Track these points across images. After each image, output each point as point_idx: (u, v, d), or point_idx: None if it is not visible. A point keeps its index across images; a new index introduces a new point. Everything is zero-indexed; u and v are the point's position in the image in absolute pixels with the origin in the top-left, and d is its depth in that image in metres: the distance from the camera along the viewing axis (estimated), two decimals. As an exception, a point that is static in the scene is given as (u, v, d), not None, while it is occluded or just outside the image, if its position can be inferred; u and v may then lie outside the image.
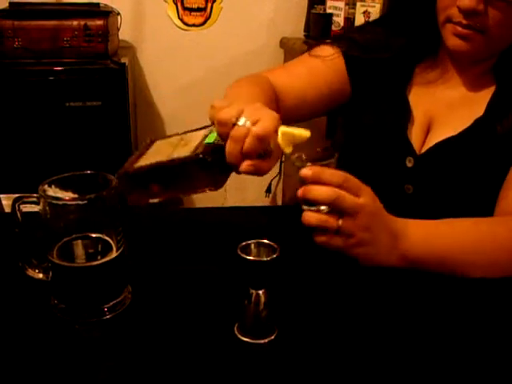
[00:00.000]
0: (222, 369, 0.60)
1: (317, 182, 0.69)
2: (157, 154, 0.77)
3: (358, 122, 1.08)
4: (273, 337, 0.65)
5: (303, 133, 0.71)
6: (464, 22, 0.88)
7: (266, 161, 0.72)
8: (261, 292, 0.64)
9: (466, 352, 0.65)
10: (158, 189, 0.76)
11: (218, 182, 0.74)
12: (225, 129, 0.70)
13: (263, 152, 0.71)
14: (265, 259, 0.64)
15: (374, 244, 0.73)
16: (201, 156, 0.71)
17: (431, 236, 0.78)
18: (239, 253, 0.63)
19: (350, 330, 0.68)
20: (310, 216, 0.71)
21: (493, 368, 0.63)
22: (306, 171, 0.70)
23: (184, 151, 0.74)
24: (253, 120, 0.70)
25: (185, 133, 0.80)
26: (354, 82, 1.07)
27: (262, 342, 0.65)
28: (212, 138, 0.74)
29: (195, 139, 0.76)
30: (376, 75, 1.05)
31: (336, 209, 0.70)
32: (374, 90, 1.05)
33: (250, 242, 0.65)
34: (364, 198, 0.71)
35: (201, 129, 0.79)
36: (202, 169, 0.72)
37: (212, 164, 0.72)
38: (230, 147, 0.70)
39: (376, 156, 1.04)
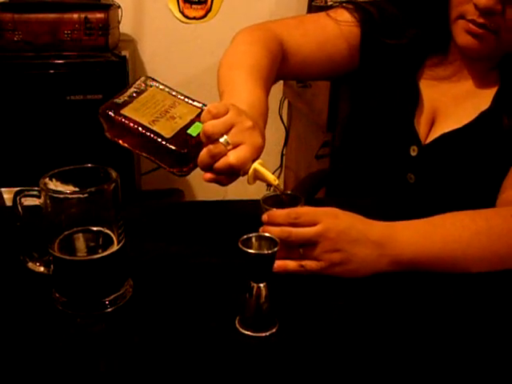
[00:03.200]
0: (223, 362, 0.61)
1: (271, 224, 0.71)
2: (144, 108, 0.78)
3: (364, 105, 1.08)
4: (274, 330, 0.65)
5: (272, 180, 0.73)
6: (478, 20, 0.87)
7: (230, 177, 0.74)
8: (262, 285, 0.64)
9: (467, 349, 0.65)
10: (130, 143, 0.78)
11: (181, 171, 0.76)
12: (207, 140, 0.71)
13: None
14: (266, 252, 0.64)
15: (351, 261, 0.72)
16: (174, 148, 0.74)
17: (425, 235, 0.76)
18: (240, 246, 0.62)
19: (351, 323, 0.68)
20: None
21: (494, 367, 0.63)
22: (264, 216, 0.72)
23: (165, 128, 0.76)
24: (235, 143, 0.71)
25: (181, 97, 0.81)
26: (364, 58, 1.06)
27: (263, 335, 0.65)
28: (196, 130, 0.75)
29: (183, 117, 0.78)
30: (387, 59, 1.05)
31: (294, 244, 0.71)
32: (382, 73, 1.05)
33: (251, 235, 0.65)
34: (322, 224, 0.71)
35: (196, 105, 0.80)
36: (171, 154, 0.74)
37: (183, 155, 0.74)
38: (203, 156, 0.72)
39: (380, 142, 1.03)
